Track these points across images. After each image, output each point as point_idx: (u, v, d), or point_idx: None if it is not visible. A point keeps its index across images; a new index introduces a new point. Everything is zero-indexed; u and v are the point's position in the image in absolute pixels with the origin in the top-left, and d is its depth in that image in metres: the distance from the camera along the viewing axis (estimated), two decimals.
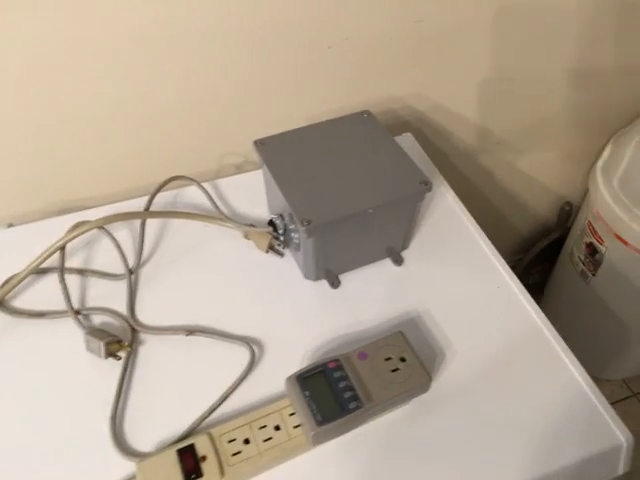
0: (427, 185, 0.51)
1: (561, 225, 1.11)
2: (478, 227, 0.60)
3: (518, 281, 0.55)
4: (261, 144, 0.55)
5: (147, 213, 0.59)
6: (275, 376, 0.47)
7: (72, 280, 0.55)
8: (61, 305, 0.53)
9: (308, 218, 0.48)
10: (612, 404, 0.47)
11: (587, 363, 0.50)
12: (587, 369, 0.49)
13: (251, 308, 0.54)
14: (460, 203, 0.63)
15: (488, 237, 0.59)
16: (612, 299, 0.96)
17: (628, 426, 0.46)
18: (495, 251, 0.58)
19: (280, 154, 0.54)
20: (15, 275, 0.54)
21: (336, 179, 0.52)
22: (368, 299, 0.54)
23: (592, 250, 0.94)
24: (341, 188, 0.51)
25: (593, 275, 0.96)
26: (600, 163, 0.90)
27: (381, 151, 0.54)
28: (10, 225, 0.62)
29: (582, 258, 0.97)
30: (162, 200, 0.63)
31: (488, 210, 1.02)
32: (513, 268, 0.57)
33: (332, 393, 0.43)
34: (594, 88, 0.86)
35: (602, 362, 1.09)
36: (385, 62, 0.69)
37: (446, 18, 0.67)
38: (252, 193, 0.63)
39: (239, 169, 0.73)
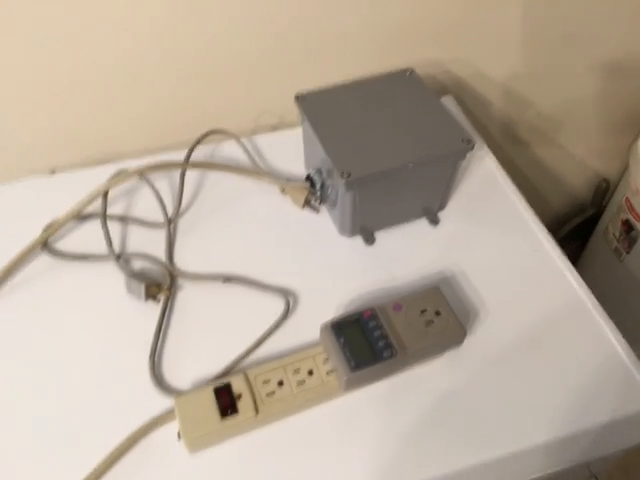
0: (469, 144, 0.50)
1: (596, 203, 1.09)
2: (517, 191, 0.59)
3: (556, 245, 0.54)
4: (302, 99, 0.55)
5: (187, 164, 0.60)
6: (309, 325, 0.47)
7: (113, 226, 0.57)
8: (103, 249, 0.54)
9: (348, 171, 0.48)
10: None
11: None
12: None
13: (286, 261, 0.54)
14: (500, 167, 0.62)
15: None
16: None
17: None
18: (533, 215, 0.57)
19: (321, 109, 0.54)
20: (58, 219, 0.55)
21: (377, 134, 0.51)
22: (402, 257, 0.54)
23: (628, 227, 0.92)
24: (382, 143, 0.51)
25: (627, 253, 0.94)
26: None
27: (423, 109, 0.54)
28: (53, 172, 0.64)
29: (617, 235, 0.95)
30: (200, 154, 0.63)
31: (523, 183, 1.00)
32: None
33: (366, 341, 0.43)
34: (637, 69, 0.84)
35: (633, 342, 1.08)
36: (429, 24, 0.67)
37: None
38: (289, 151, 0.63)
39: (275, 129, 0.73)
